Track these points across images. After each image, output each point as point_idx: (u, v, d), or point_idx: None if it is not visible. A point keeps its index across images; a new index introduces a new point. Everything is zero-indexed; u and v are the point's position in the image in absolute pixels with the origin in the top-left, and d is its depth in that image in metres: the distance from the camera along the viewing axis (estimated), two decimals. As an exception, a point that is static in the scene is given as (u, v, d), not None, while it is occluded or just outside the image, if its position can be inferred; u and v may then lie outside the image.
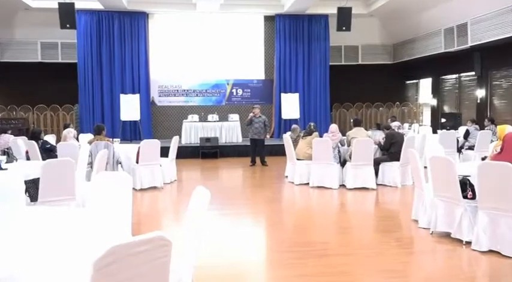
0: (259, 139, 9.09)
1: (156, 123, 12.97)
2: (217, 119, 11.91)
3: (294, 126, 8.10)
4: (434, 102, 13.67)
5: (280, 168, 8.47)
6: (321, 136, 7.86)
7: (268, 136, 9.39)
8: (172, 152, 7.47)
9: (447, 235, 4.18)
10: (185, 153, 10.65)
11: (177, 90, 13.06)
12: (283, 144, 7.70)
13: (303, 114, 12.92)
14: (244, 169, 9.04)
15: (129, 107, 11.75)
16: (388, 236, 4.31)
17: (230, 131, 11.69)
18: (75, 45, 12.17)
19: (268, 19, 13.16)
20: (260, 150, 9.24)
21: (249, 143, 9.52)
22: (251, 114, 9.10)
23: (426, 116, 14.24)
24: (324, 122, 13.05)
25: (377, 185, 6.67)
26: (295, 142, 7.52)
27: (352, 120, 7.77)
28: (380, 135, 7.49)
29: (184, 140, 11.41)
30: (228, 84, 13.28)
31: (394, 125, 8.44)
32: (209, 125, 11.65)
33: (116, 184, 2.85)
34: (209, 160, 10.37)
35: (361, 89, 14.30)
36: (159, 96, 13.00)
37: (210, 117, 12.09)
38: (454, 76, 12.70)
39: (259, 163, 9.22)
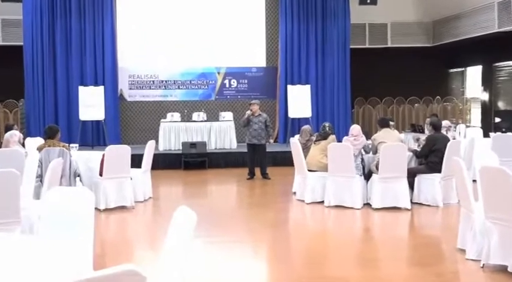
0: (259, 144, 9.12)
1: (125, 123, 13.02)
2: (205, 119, 11.94)
3: (304, 127, 8.12)
4: (485, 96, 13.73)
5: (286, 183, 8.48)
6: (339, 141, 7.87)
7: (270, 140, 9.43)
8: (147, 161, 7.48)
9: (503, 269, 4.16)
10: (163, 162, 10.68)
11: (153, 81, 13.12)
12: (290, 152, 7.73)
13: (315, 112, 12.98)
14: (240, 183, 9.06)
15: (91, 103, 11.78)
16: (427, 271, 4.32)
17: (222, 134, 11.72)
18: (21, 22, 12.21)
19: (271, -10, 13.32)
20: (260, 159, 9.27)
21: (245, 150, 9.54)
22: (248, 112, 9.14)
23: (475, 115, 14.30)
24: (343, 122, 13.10)
25: (412, 203, 6.68)
26: (305, 148, 7.53)
27: (378, 120, 7.79)
28: (416, 139, 7.51)
29: (162, 146, 11.45)
30: (218, 73, 13.34)
31: (444, 124, 8.42)
32: (194, 126, 11.69)
33: (74, 203, 2.85)
34: (194, 172, 10.39)
35: (391, 80, 14.37)
36: (130, 88, 13.06)
37: (195, 116, 12.12)
38: (511, 63, 12.77)
39: (259, 175, 9.24)
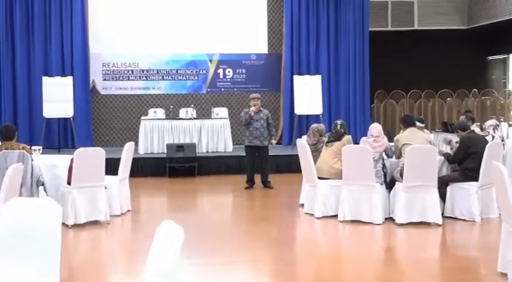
0: (262, 146, 9.13)
1: (98, 122, 13.04)
2: (194, 116, 11.95)
3: (313, 126, 8.12)
4: (532, 89, 13.74)
5: (292, 192, 8.47)
6: (356, 142, 7.86)
7: (273, 141, 9.42)
8: (124, 167, 7.48)
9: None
10: (144, 168, 10.68)
11: (132, 70, 13.13)
12: (297, 155, 7.73)
13: (327, 108, 13.00)
14: (237, 194, 9.05)
15: (57, 97, 11.77)
16: (462, 299, 4.31)
17: (215, 135, 11.73)
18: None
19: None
20: (262, 164, 9.27)
21: (243, 153, 9.54)
22: (252, 108, 9.10)
23: (520, 111, 14.33)
24: (360, 120, 13.12)
25: (444, 218, 6.68)
26: (315, 151, 7.53)
27: (403, 118, 7.79)
28: (449, 140, 7.50)
29: (143, 148, 11.46)
30: (211, 61, 13.36)
31: (489, 124, 8.39)
32: (182, 125, 11.70)
33: (36, 217, 2.85)
34: (182, 180, 10.39)
35: (419, 69, 14.39)
36: (104, 79, 13.08)
37: (183, 112, 12.14)
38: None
39: (260, 184, 9.24)
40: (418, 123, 7.62)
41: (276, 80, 13.42)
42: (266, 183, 9.21)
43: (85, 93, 12.56)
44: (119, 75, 13.09)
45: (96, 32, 12.82)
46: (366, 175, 6.68)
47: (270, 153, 9.46)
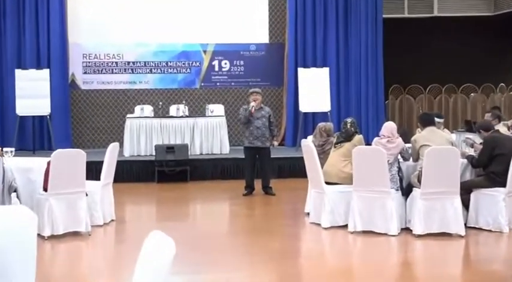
0: (263, 148, 9.12)
1: (78, 120, 13.05)
2: (187, 114, 11.96)
3: (321, 125, 8.12)
4: None
5: (296, 200, 8.48)
6: (368, 143, 7.85)
7: (275, 143, 9.41)
8: (108, 171, 7.48)
9: None
10: (130, 173, 10.71)
11: (116, 62, 13.15)
12: (301, 158, 7.74)
13: (336, 105, 13.03)
14: (235, 201, 9.05)
15: (32, 93, 11.76)
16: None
17: (209, 135, 11.74)
18: None
19: None
20: (263, 168, 9.28)
21: (242, 155, 9.54)
22: (252, 104, 9.10)
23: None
24: (373, 119, 13.12)
25: (467, 228, 6.67)
26: (323, 153, 7.54)
27: (421, 116, 7.78)
28: (471, 141, 7.50)
29: (129, 150, 11.47)
30: (205, 51, 13.37)
31: None
32: (172, 124, 11.72)
33: (8, 228, 2.84)
34: (172, 185, 10.39)
35: (439, 61, 14.40)
36: (85, 72, 13.10)
37: (173, 109, 12.15)
38: None
39: (260, 190, 9.25)
40: (436, 119, 7.60)
41: (278, 74, 13.43)
42: (267, 190, 9.21)
43: (63, 88, 12.56)
44: (102, 67, 13.10)
45: (76, 19, 12.84)
46: (379, 180, 6.68)
47: (272, 156, 9.47)
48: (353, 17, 13.19)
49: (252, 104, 9.05)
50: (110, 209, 7.49)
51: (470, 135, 8.33)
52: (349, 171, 6.97)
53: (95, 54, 13.04)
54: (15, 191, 6.53)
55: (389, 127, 7.12)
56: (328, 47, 13.16)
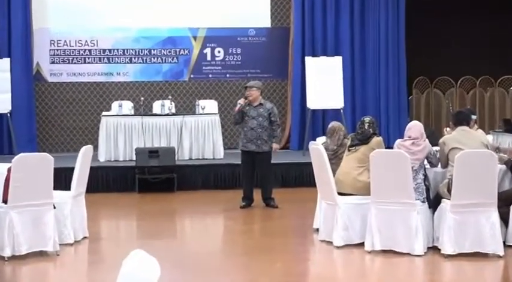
0: (260, 152, 9.11)
1: (45, 119, 13.07)
2: (173, 111, 11.98)
3: (333, 125, 8.11)
4: None
5: (303, 213, 8.46)
6: (389, 147, 7.84)
7: (275, 146, 9.39)
8: (80, 179, 7.46)
9: None
10: (106, 181, 10.71)
11: (90, 50, 13.16)
12: (309, 164, 7.74)
13: (350, 101, 13.06)
14: (230, 215, 9.05)
15: (-10, 86, 11.79)
16: None
17: (200, 136, 11.73)
18: None
19: None
20: (262, 176, 9.28)
21: (238, 161, 9.54)
22: (241, 100, 9.10)
23: None
24: (394, 117, 13.13)
25: (506, 247, 6.66)
26: (335, 158, 7.55)
27: (453, 114, 7.77)
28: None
29: (105, 154, 11.47)
30: (195, 38, 13.39)
31: None
32: (156, 123, 11.71)
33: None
34: (156, 196, 10.39)
35: (473, 48, 14.39)
36: (52, 62, 13.11)
37: (157, 106, 12.15)
38: None
39: (260, 202, 9.25)
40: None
41: (282, 64, 13.44)
42: (269, 201, 9.20)
43: (27, 80, 12.59)
44: (73, 56, 13.11)
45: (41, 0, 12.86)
46: (402, 190, 6.67)
47: (274, 161, 9.46)
48: (370, -5, 13.25)
49: (240, 101, 9.10)
50: (82, 224, 7.46)
51: (505, 136, 8.33)
52: (365, 179, 6.96)
53: (65, 41, 13.05)
54: (-30, 202, 6.53)
55: (414, 127, 7.11)
56: (341, 32, 13.17)
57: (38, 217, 6.73)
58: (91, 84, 13.12)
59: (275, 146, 9.30)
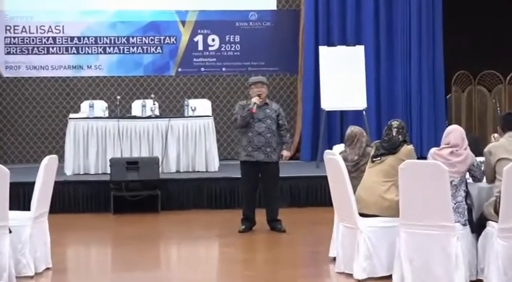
0: (268, 163, 9.11)
1: (-1, 122, 13.07)
2: (157, 113, 11.99)
3: (353, 130, 8.11)
4: None
5: (316, 239, 8.48)
6: (421, 157, 7.83)
7: (286, 153, 9.37)
8: (42, 197, 7.45)
9: None
10: (75, 199, 10.70)
11: (54, 38, 13.20)
12: (324, 178, 7.74)
13: (375, 100, 13.10)
14: (227, 241, 9.03)
15: None
16: None
17: (191, 144, 11.75)
18: None
19: None
20: (268, 192, 9.29)
21: (237, 174, 9.55)
22: (254, 99, 9.04)
23: None
24: (429, 121, 13.14)
25: None
26: (356, 171, 7.58)
27: (502, 117, 7.75)
28: None
29: (72, 166, 11.49)
30: (183, 23, 13.42)
31: None
32: (136, 128, 11.73)
33: None
34: (136, 217, 10.41)
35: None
36: (8, 52, 13.17)
37: (137, 107, 12.17)
38: None
39: (263, 225, 9.25)
40: None
41: (291, 54, 13.49)
42: (274, 224, 9.19)
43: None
44: (33, 45, 13.15)
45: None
46: (438, 210, 6.66)
47: (280, 174, 9.45)
48: (399, -29, 13.28)
49: (254, 100, 9.03)
50: (44, 253, 7.43)
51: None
52: (393, 197, 6.96)
53: (23, 27, 13.10)
54: None
55: (453, 133, 7.09)
56: (364, 17, 13.22)
57: (-10, 243, 6.73)
58: (55, 80, 13.15)
59: (286, 153, 9.28)
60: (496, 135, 7.59)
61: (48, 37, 13.14)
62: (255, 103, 8.93)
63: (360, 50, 12.68)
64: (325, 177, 7.66)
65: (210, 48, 13.43)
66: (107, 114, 11.95)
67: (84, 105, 12.13)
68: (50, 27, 13.15)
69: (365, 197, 7.16)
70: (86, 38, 13.20)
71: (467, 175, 6.99)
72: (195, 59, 13.40)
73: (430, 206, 6.68)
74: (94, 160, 11.55)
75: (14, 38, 13.06)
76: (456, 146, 6.96)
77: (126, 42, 13.30)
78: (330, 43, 12.91)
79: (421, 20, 13.17)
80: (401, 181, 6.78)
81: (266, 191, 9.27)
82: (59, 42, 13.14)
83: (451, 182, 6.68)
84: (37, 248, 7.31)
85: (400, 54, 13.26)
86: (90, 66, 13.25)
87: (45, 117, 13.05)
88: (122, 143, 11.58)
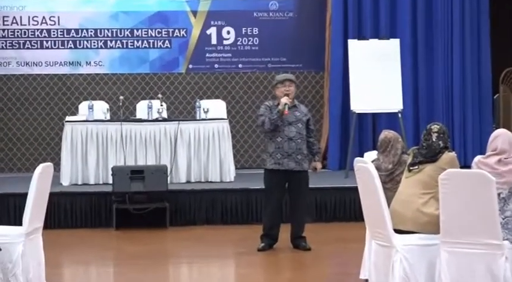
0: (299, 172, 9.11)
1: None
2: (165, 116, 12.04)
3: (387, 135, 8.12)
4: None
5: (345, 258, 8.50)
6: (465, 166, 7.81)
7: (319, 165, 9.36)
8: (35, 210, 7.49)
9: None
10: (72, 213, 10.72)
11: (49, 30, 13.28)
12: (354, 189, 7.76)
13: (412, 101, 13.11)
14: (245, 260, 9.08)
15: None
16: None
17: (203, 150, 11.77)
18: None
19: None
20: (296, 206, 9.28)
21: (254, 185, 9.54)
22: (284, 99, 8.95)
23: None
24: (474, 124, 13.11)
25: None
26: (391, 181, 7.62)
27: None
28: None
29: (69, 176, 11.51)
30: (195, 13, 13.47)
31: None
32: (141, 133, 11.75)
33: None
34: (141, 234, 10.45)
35: None
36: (-2, 48, 13.22)
37: (142, 108, 12.23)
38: None
39: (286, 242, 9.27)
40: None
41: (317, 49, 13.52)
42: (298, 241, 9.21)
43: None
44: (25, 39, 13.22)
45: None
46: (484, 226, 6.65)
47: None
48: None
49: (284, 100, 8.93)
50: (38, 273, 7.45)
51: None
52: (432, 211, 6.95)
53: (14, 18, 13.17)
54: None
55: (501, 138, 7.08)
56: (399, 6, 13.24)
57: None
58: (50, 78, 13.21)
59: (319, 166, 9.27)
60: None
61: (42, 29, 13.21)
62: (286, 104, 8.85)
63: (394, 44, 12.68)
64: (356, 189, 7.65)
65: (225, 42, 13.46)
66: (108, 117, 11.98)
67: (83, 106, 12.15)
68: (44, 18, 13.21)
69: (401, 211, 7.15)
70: (84, 31, 13.26)
71: (518, 186, 7.00)
72: (207, 54, 13.43)
73: (474, 222, 6.67)
74: (94, 169, 11.58)
75: (4, 30, 13.12)
76: (504, 153, 6.96)
77: (129, 35, 13.34)
78: (360, 36, 12.93)
79: (464, 10, 13.15)
80: (441, 193, 6.77)
81: (294, 203, 9.28)
82: (54, 35, 13.20)
83: (498, 195, 6.68)
84: (30, 268, 7.31)
85: (440, 49, 13.25)
86: (90, 62, 13.30)
87: (39, 120, 13.09)
88: (126, 149, 11.61)
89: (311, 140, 9.19)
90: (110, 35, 13.28)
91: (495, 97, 14.13)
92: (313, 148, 9.24)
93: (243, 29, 13.46)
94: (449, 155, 7.21)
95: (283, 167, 9.02)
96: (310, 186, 9.92)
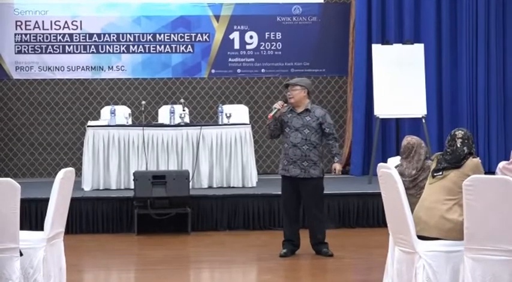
0: (305, 179, 9.07)
1: (7, 130, 13.20)
2: (187, 121, 12.06)
3: (410, 141, 8.10)
4: None
5: (368, 264, 8.48)
6: (490, 172, 7.79)
7: (338, 166, 9.30)
8: (57, 215, 7.49)
9: None
10: (93, 218, 10.74)
11: (71, 35, 13.31)
12: (378, 195, 7.67)
13: (436, 106, 13.09)
14: (267, 266, 9.05)
15: None
16: None
17: (225, 156, 11.77)
18: None
19: None
20: (310, 212, 9.27)
21: (278, 190, 9.58)
22: (277, 104, 8.90)
23: None
24: (499, 129, 13.03)
25: None
26: (414, 187, 7.61)
27: None
28: None
29: (91, 181, 11.54)
30: (217, 17, 13.49)
31: None
32: (163, 138, 11.76)
33: None
34: (163, 239, 10.45)
35: None
36: (19, 52, 13.27)
37: (164, 113, 12.24)
38: None
39: (308, 248, 9.25)
40: None
41: (340, 54, 13.52)
42: (320, 247, 9.18)
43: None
44: (47, 44, 13.26)
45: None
46: (509, 233, 6.62)
47: (327, 191, 9.47)
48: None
49: (276, 105, 8.97)
50: (59, 279, 7.47)
51: None
52: (456, 217, 6.93)
53: (36, 22, 13.21)
54: None
55: (525, 144, 7.09)
56: (424, 11, 13.21)
57: (-1, 267, 6.80)
58: (72, 83, 13.25)
59: (338, 167, 9.14)
60: None
61: (64, 34, 13.24)
62: (276, 109, 8.92)
63: (419, 48, 12.64)
64: (379, 195, 7.61)
65: (248, 47, 13.46)
66: (130, 122, 11.99)
67: (105, 111, 12.20)
68: (66, 22, 13.25)
69: (424, 217, 7.13)
70: (106, 35, 13.30)
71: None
72: (230, 59, 13.44)
73: (498, 228, 6.63)
74: (116, 174, 11.61)
75: (26, 35, 13.17)
76: (529, 160, 6.93)
77: (152, 40, 13.37)
78: (384, 41, 12.90)
79: (489, 14, 13.10)
80: (465, 199, 6.74)
81: (308, 210, 9.29)
82: (76, 39, 13.24)
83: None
84: (51, 273, 7.33)
85: (464, 54, 13.21)
86: (112, 67, 13.34)
87: (61, 125, 13.13)
88: (147, 154, 11.62)
89: (329, 142, 9.10)
90: (132, 39, 13.31)
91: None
92: (332, 149, 9.13)
93: (266, 33, 13.46)
94: (473, 161, 7.17)
95: (288, 173, 9.05)
96: (334, 192, 9.91)
